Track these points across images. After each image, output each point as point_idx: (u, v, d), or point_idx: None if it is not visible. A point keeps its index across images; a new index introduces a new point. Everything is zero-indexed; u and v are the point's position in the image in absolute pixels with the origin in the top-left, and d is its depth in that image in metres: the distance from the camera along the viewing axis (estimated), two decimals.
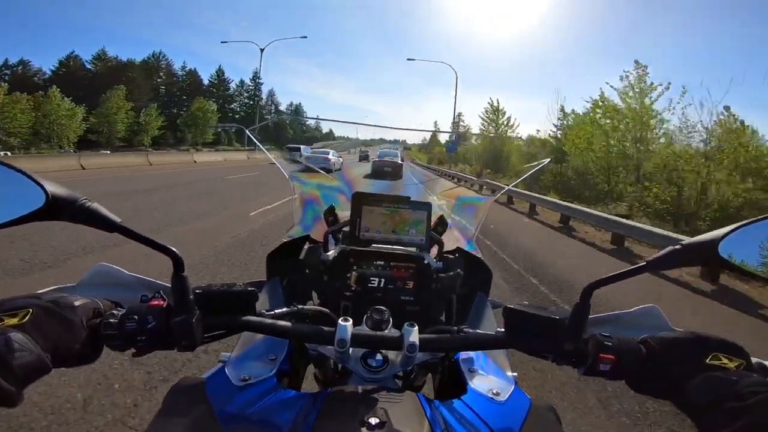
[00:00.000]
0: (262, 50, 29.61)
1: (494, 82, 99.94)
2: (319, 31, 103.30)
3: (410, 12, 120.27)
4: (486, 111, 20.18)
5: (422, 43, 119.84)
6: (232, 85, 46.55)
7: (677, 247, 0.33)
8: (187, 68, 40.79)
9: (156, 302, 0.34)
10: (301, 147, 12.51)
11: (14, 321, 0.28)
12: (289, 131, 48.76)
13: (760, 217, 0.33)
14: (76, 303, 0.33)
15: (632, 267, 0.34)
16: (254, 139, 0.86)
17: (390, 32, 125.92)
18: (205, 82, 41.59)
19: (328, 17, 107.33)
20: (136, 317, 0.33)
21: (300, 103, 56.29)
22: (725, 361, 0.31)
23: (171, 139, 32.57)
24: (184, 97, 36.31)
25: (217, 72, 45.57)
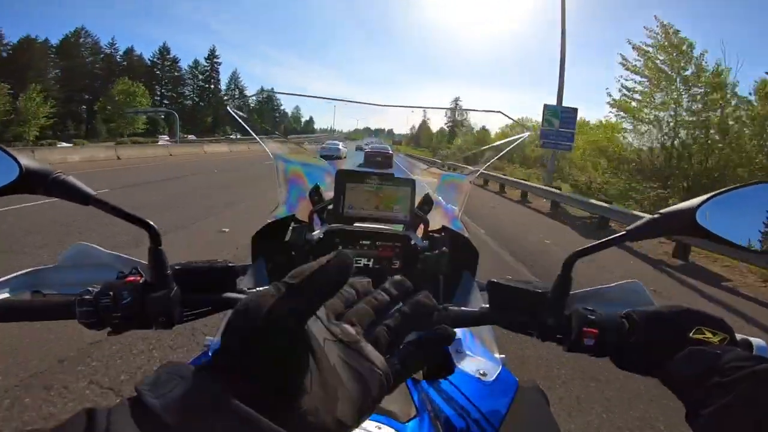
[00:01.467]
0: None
1: (481, 74, 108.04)
2: (301, 20, 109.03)
3: (399, 8, 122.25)
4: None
5: (409, 33, 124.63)
6: (183, 66, 43.31)
7: (656, 216, 0.35)
8: (116, 46, 37.12)
9: (132, 278, 0.35)
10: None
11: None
12: (256, 119, 45.50)
13: (734, 186, 0.35)
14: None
15: (613, 236, 0.36)
16: (237, 116, 0.79)
17: (373, 21, 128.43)
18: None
19: (309, 7, 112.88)
20: (111, 293, 0.33)
21: (273, 88, 51.06)
22: (708, 335, 0.33)
23: (73, 130, 29.34)
24: (114, 80, 31.68)
25: (160, 50, 41.65)
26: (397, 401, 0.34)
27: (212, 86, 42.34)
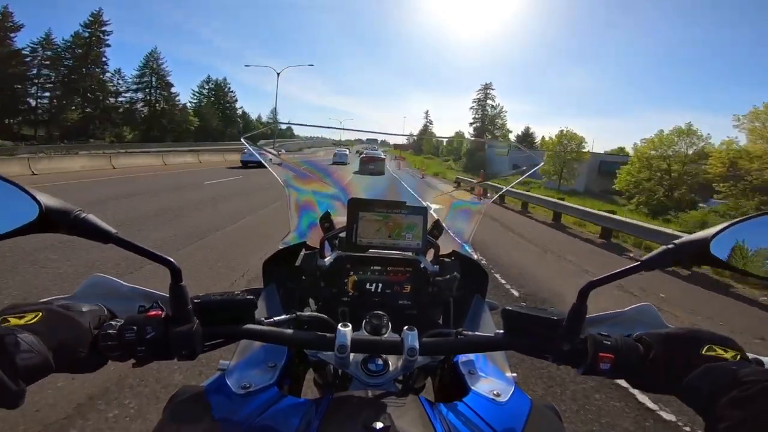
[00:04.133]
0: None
1: (466, 83, 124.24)
2: (292, 31, 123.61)
3: (387, 12, 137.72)
4: None
5: (399, 43, 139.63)
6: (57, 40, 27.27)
7: (670, 246, 0.39)
8: None
9: (154, 312, 0.39)
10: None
11: (21, 322, 0.33)
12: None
13: (749, 215, 0.39)
14: (84, 309, 0.38)
15: (627, 267, 0.40)
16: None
17: (365, 33, 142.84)
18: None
19: (299, 17, 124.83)
20: (135, 328, 0.37)
21: (224, 79, 47.84)
22: (721, 351, 0.37)
23: None
24: None
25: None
26: (417, 427, 0.38)
27: (92, 67, 29.13)
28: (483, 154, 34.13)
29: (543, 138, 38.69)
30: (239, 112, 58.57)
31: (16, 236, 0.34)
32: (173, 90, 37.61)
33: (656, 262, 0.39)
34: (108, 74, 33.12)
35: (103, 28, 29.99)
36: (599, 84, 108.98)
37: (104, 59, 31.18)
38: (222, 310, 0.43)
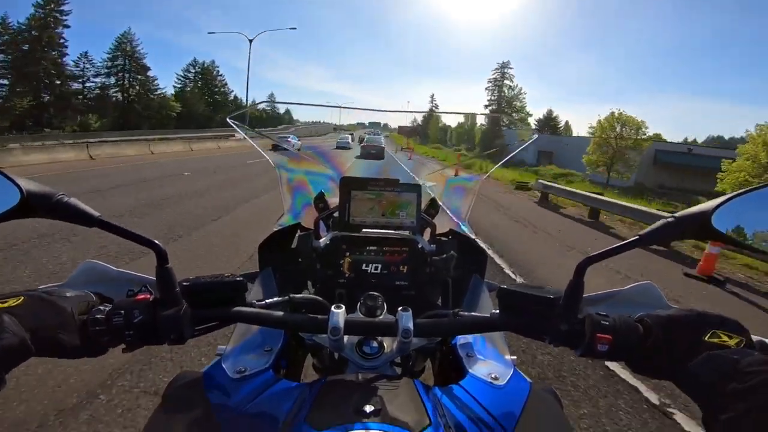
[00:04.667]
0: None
1: (474, 68, 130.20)
2: (293, 15, 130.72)
3: (391, 7, 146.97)
4: None
5: (403, 28, 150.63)
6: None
7: (670, 220, 0.40)
8: None
9: (142, 296, 0.41)
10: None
11: (3, 305, 0.34)
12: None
13: (751, 187, 0.40)
14: (68, 294, 0.40)
15: (625, 242, 0.41)
16: (238, 129, 0.89)
17: (367, 16, 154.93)
18: None
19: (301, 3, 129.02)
20: (122, 312, 0.39)
21: (214, 62, 47.24)
22: (725, 338, 0.37)
23: None
24: None
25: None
26: (409, 410, 0.39)
27: (47, 50, 26.79)
28: (502, 141, 32.48)
29: (567, 123, 35.14)
30: (230, 96, 55.40)
31: None
32: (150, 74, 35.93)
33: (656, 236, 0.41)
34: (72, 58, 31.35)
35: (60, 8, 28.14)
36: (606, 70, 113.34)
37: (62, 41, 28.97)
38: (211, 292, 0.45)
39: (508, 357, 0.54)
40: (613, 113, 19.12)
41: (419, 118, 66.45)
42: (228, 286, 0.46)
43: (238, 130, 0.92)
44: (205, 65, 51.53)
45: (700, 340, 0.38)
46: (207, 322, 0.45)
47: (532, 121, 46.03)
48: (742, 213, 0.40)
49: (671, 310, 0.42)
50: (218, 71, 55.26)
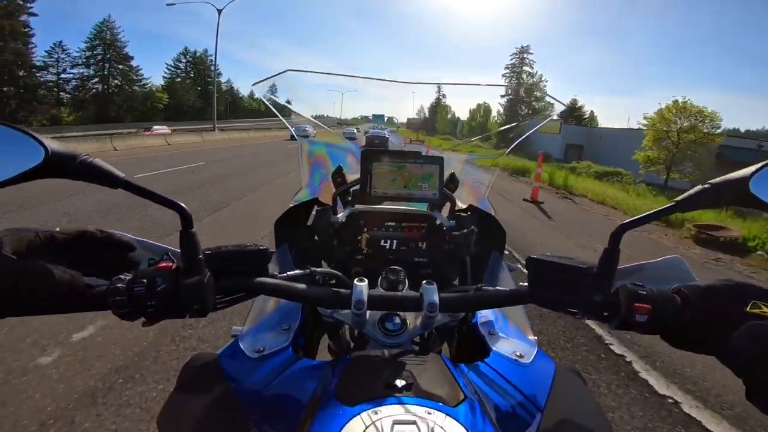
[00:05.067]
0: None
1: (474, 60, 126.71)
2: (293, 6, 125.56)
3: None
4: None
5: (403, 19, 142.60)
6: None
7: (706, 186, 0.40)
8: None
9: (164, 264, 0.40)
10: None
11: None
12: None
13: None
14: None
15: (662, 207, 0.41)
16: (268, 103, 0.87)
17: (370, 7, 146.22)
18: None
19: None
20: (144, 281, 0.38)
21: (207, 51, 46.23)
22: (765, 309, 0.36)
23: None
24: None
25: None
26: (442, 385, 0.39)
27: (7, 39, 25.56)
28: (520, 130, 28.68)
29: (592, 113, 31.36)
30: (225, 87, 52.00)
31: (23, 181, 0.37)
32: (135, 64, 34.91)
33: (692, 202, 0.40)
34: (46, 48, 30.40)
35: None
36: (626, 60, 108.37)
37: (27, 30, 27.81)
38: (234, 261, 0.45)
39: (531, 336, 0.56)
40: (676, 101, 16.25)
41: (426, 110, 66.01)
42: (252, 255, 0.45)
43: (266, 101, 0.91)
44: (197, 54, 47.73)
45: (741, 311, 0.37)
46: (229, 293, 0.45)
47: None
48: None
49: (708, 282, 0.42)
50: (211, 60, 51.14)
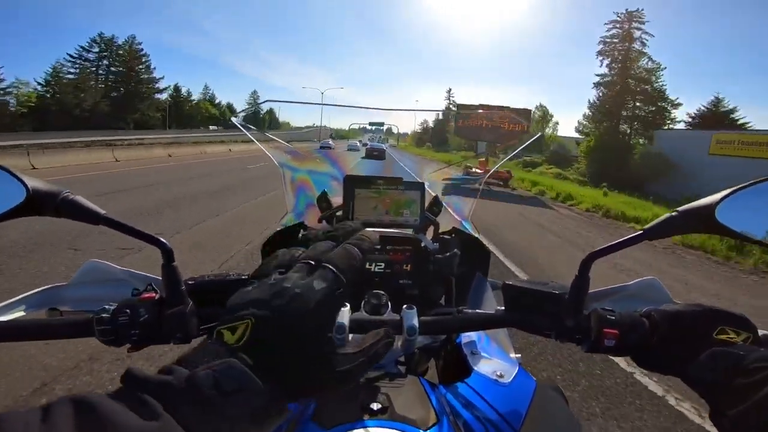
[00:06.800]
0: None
1: (473, 72, 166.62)
2: (299, 22, 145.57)
3: (397, 7, 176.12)
4: None
5: (405, 36, 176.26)
6: None
7: (674, 214, 0.54)
8: None
9: (147, 295, 0.55)
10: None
11: None
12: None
13: (756, 180, 0.51)
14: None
15: (630, 236, 0.54)
16: (243, 129, 1.15)
17: (369, 22, 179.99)
18: None
19: (307, 6, 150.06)
20: (127, 311, 0.52)
21: (134, 37, 48.19)
22: (732, 334, 0.49)
23: None
24: None
25: None
26: (416, 408, 0.53)
27: None
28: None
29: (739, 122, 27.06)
30: (163, 86, 51.00)
31: (3, 221, 0.46)
32: None
33: (660, 230, 0.54)
34: None
35: None
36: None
37: None
38: (216, 290, 0.59)
39: (512, 355, 0.73)
40: None
41: (431, 121, 72.13)
42: (233, 284, 0.60)
43: (244, 131, 1.14)
44: (115, 42, 46.55)
45: (707, 337, 0.50)
46: (213, 320, 0.57)
47: (682, 112, 37.60)
48: (747, 206, 0.52)
49: (678, 306, 0.55)
50: (141, 50, 50.35)
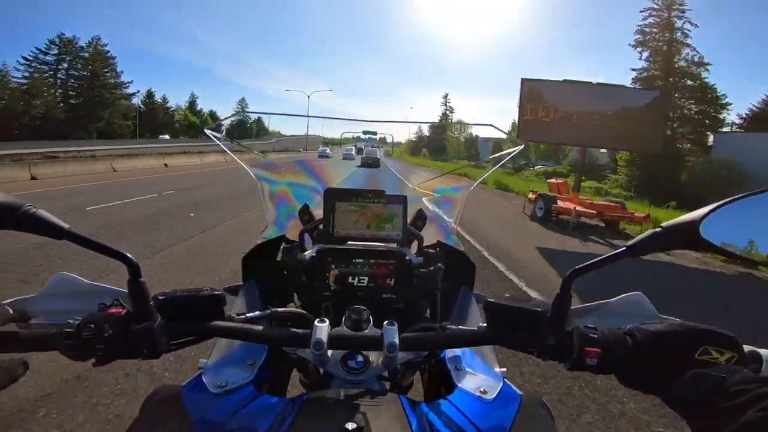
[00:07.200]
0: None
1: (464, 82, 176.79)
2: (289, 29, 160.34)
3: (384, 10, 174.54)
4: None
5: (398, 43, 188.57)
6: None
7: (658, 230, 0.57)
8: None
9: (114, 310, 0.58)
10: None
11: None
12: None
13: (739, 195, 0.55)
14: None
15: (613, 253, 0.58)
16: (216, 139, 1.17)
17: (363, 30, 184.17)
18: None
19: (299, 15, 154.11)
20: (92, 326, 0.56)
21: (100, 38, 47.53)
22: (715, 354, 0.52)
23: None
24: None
25: None
26: (394, 428, 0.55)
27: None
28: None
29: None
30: (133, 90, 49.24)
31: None
32: None
33: (643, 247, 0.58)
34: None
35: None
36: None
37: None
38: (187, 306, 0.63)
39: (497, 369, 0.76)
40: None
41: (425, 129, 75.24)
42: (205, 300, 0.64)
43: (218, 142, 1.17)
44: (77, 43, 44.68)
45: (689, 357, 0.53)
46: (183, 336, 0.63)
47: (733, 114, 33.45)
48: (730, 221, 0.55)
49: (662, 324, 0.59)
50: (107, 52, 48.65)
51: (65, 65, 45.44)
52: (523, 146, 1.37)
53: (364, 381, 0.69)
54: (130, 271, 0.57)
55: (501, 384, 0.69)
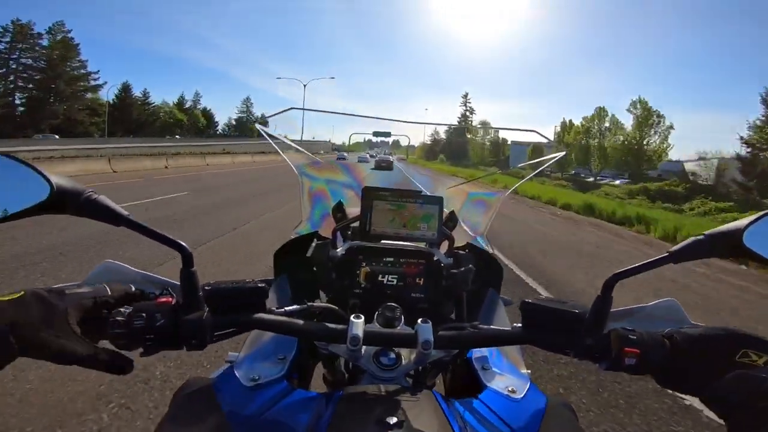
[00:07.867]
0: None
1: (487, 85, 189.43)
2: (303, 35, 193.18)
3: (400, 16, 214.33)
4: None
5: (412, 49, 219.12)
6: None
7: (701, 237, 0.62)
8: None
9: (164, 299, 0.64)
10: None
11: None
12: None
13: None
14: (68, 291, 0.61)
15: (655, 258, 0.63)
16: (266, 135, 1.38)
17: (376, 35, 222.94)
18: None
19: (312, 21, 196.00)
20: (144, 315, 0.60)
21: (63, 23, 46.37)
22: (755, 357, 0.57)
23: None
24: None
25: None
26: (433, 423, 0.61)
27: None
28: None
29: None
30: (101, 82, 48.80)
31: (27, 216, 0.53)
32: None
33: (686, 253, 0.62)
34: None
35: None
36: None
37: None
38: (232, 297, 0.70)
39: (523, 370, 0.85)
40: None
41: (441, 132, 77.69)
42: (250, 292, 0.71)
43: (267, 137, 1.34)
44: (33, 30, 44.05)
45: (729, 359, 0.58)
46: (227, 327, 0.70)
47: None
48: None
49: (700, 328, 0.65)
50: (71, 40, 48.33)
51: (16, 54, 44.65)
52: (564, 153, 1.58)
53: (394, 378, 0.79)
54: (184, 261, 0.63)
55: (528, 384, 0.78)
